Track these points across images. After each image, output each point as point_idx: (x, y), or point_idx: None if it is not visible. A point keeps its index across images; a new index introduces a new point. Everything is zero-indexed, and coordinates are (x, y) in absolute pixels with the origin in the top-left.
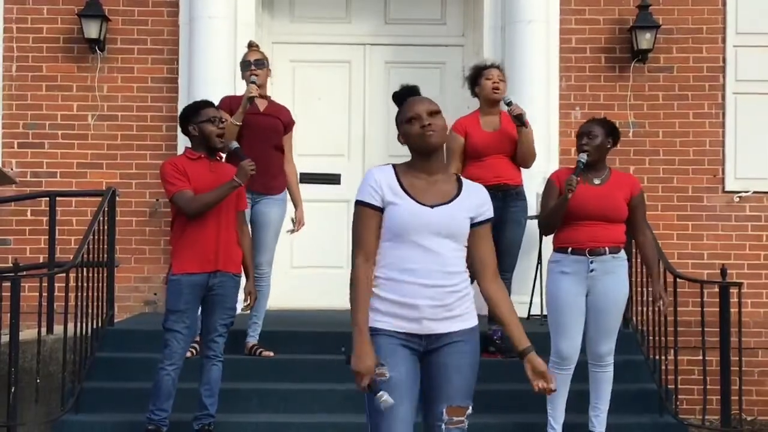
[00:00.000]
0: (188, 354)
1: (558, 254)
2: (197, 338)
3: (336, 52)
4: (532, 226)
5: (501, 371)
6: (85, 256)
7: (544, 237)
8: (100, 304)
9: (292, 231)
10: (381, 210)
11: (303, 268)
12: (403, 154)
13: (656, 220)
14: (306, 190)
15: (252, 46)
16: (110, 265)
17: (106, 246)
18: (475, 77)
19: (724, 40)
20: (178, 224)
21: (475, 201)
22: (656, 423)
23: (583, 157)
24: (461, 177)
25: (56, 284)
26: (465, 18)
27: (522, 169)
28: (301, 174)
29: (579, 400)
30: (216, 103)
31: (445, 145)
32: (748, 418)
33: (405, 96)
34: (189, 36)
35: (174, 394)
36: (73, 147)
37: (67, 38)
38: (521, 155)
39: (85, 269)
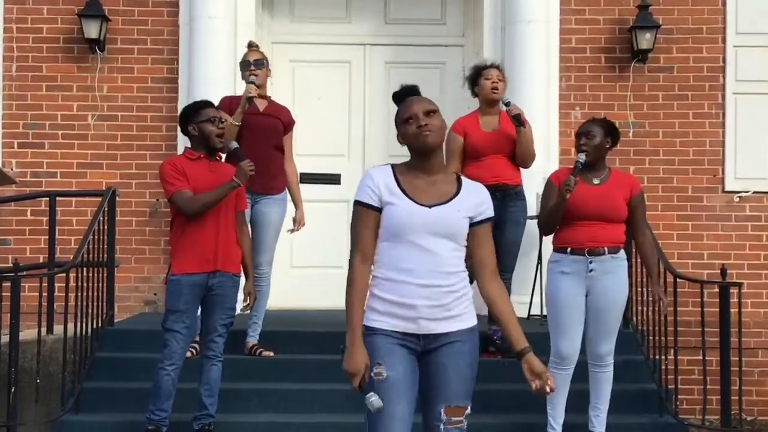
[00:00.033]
0: (188, 354)
1: (557, 254)
2: (197, 338)
3: (336, 52)
4: (532, 226)
5: (501, 371)
6: (85, 256)
7: (544, 237)
8: (100, 304)
9: (293, 230)
10: (379, 210)
11: (303, 268)
12: (403, 154)
13: (656, 220)
14: (306, 190)
15: (252, 46)
16: (110, 265)
17: (106, 246)
18: (475, 77)
19: (724, 40)
20: (178, 224)
21: (474, 200)
22: (656, 423)
23: (582, 157)
24: (461, 176)
25: (56, 284)
26: (465, 18)
27: (521, 169)
28: (301, 174)
29: (579, 400)
30: (216, 103)
31: (444, 145)
32: (748, 418)
33: (405, 96)
34: (189, 36)
35: (174, 394)
36: (73, 147)
37: (67, 38)
38: (520, 155)
39: (85, 269)
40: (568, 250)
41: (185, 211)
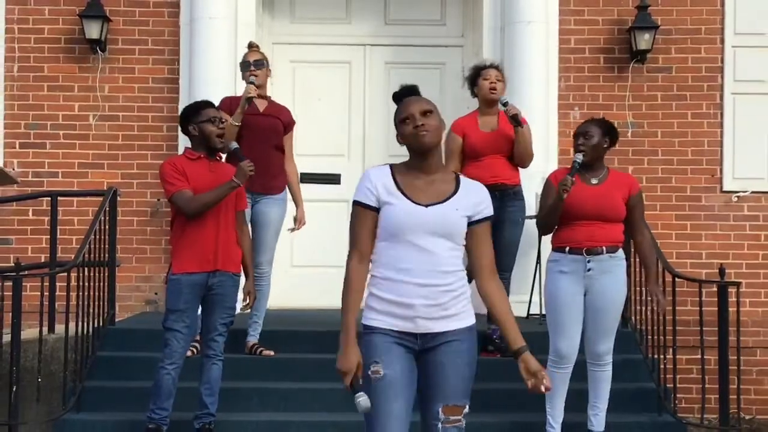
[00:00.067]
0: (189, 353)
1: (556, 254)
2: (197, 337)
3: (336, 53)
4: (532, 226)
5: (500, 370)
6: (87, 255)
7: (543, 237)
8: (101, 303)
9: (293, 229)
10: (376, 210)
11: (303, 268)
12: (403, 154)
13: (655, 220)
14: (306, 190)
15: (252, 46)
16: (111, 264)
17: (107, 246)
18: (474, 77)
19: (722, 41)
20: (178, 224)
21: (473, 199)
22: (655, 422)
23: (579, 157)
24: (460, 176)
25: (58, 284)
26: (464, 19)
27: (520, 169)
28: (301, 174)
29: (578, 399)
30: (216, 103)
31: (443, 145)
32: (747, 417)
33: (405, 96)
34: (190, 36)
35: (174, 393)
36: (75, 147)
37: (68, 39)
38: (518, 155)
39: (86, 269)
40: (567, 249)
41: (185, 211)
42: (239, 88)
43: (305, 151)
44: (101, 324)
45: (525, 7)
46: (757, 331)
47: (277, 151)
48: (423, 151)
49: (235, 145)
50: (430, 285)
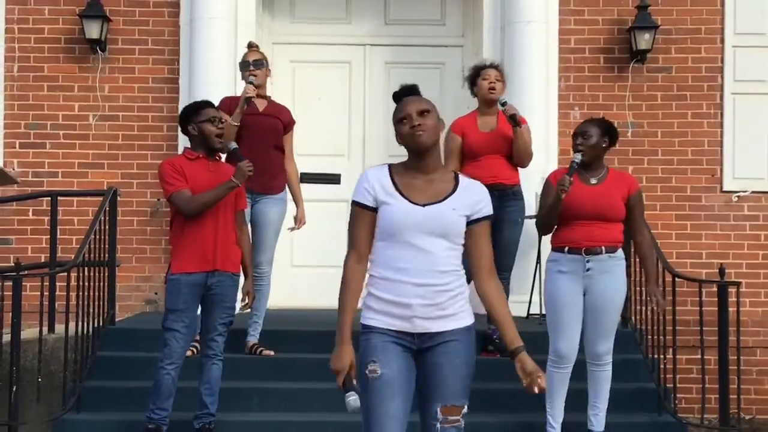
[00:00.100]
0: (188, 353)
1: (555, 253)
2: (197, 337)
3: (336, 53)
4: (532, 226)
5: (500, 370)
6: (87, 255)
7: (543, 236)
8: (101, 303)
9: (293, 229)
10: (374, 210)
11: (303, 267)
12: (403, 153)
13: (655, 220)
14: (306, 190)
15: (251, 46)
16: (111, 264)
17: (107, 245)
18: (474, 77)
19: (722, 41)
20: (177, 224)
21: (472, 198)
22: (655, 422)
23: (577, 157)
24: (460, 175)
25: (57, 283)
26: (464, 18)
27: (520, 169)
28: (301, 174)
29: (578, 399)
30: (216, 103)
31: (442, 144)
32: (747, 417)
33: (405, 95)
34: (190, 36)
35: (174, 393)
36: (75, 147)
37: (68, 39)
38: (517, 155)
39: (86, 269)
40: (566, 249)
41: (184, 211)
42: (239, 88)
43: (305, 151)
44: (101, 324)
45: (525, 7)
46: (757, 331)
47: (277, 150)
48: (420, 151)
49: (234, 145)
50: (427, 285)
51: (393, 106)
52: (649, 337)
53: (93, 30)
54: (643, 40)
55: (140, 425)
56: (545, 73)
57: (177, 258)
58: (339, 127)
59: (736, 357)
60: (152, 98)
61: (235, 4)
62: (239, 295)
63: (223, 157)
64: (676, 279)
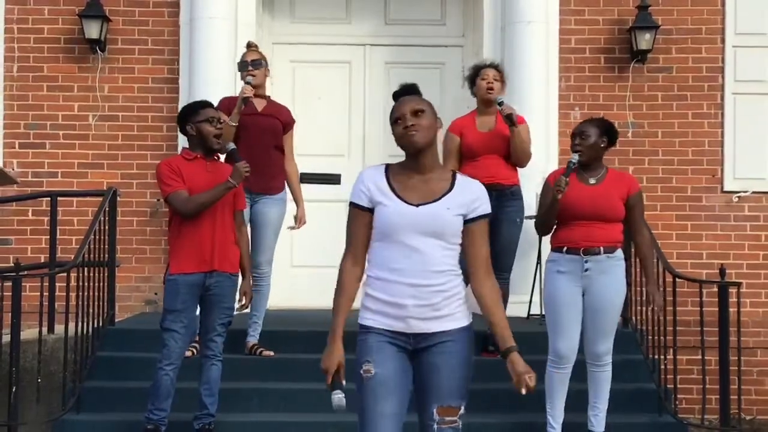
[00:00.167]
0: (188, 353)
1: (555, 254)
2: (197, 338)
3: (336, 53)
4: (532, 226)
5: (500, 370)
6: (86, 255)
7: (543, 237)
8: (100, 303)
9: (293, 228)
10: (370, 210)
11: (303, 268)
12: (403, 153)
13: (655, 220)
14: (306, 190)
15: (250, 46)
16: (111, 264)
17: (107, 246)
18: (473, 77)
19: (723, 41)
20: (175, 224)
21: (467, 197)
22: (655, 422)
23: (575, 157)
24: (458, 174)
25: (57, 284)
26: (465, 18)
27: (520, 169)
28: (301, 174)
29: (578, 400)
30: (216, 103)
31: (442, 144)
32: (747, 418)
33: (404, 95)
34: (189, 36)
35: (173, 393)
36: (74, 147)
37: (67, 39)
38: (514, 155)
39: (86, 269)
40: (564, 249)
41: (181, 212)
42: (239, 88)
43: (305, 151)
44: (101, 324)
45: (525, 7)
46: (758, 331)
47: (277, 150)
48: (414, 151)
49: (232, 145)
50: (421, 285)
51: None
52: (650, 337)
53: (93, 30)
54: (644, 40)
55: (140, 426)
56: (545, 73)
57: (175, 258)
58: (339, 127)
59: (736, 357)
60: (152, 98)
61: (235, 4)
62: (237, 296)
63: (222, 157)
64: (677, 279)
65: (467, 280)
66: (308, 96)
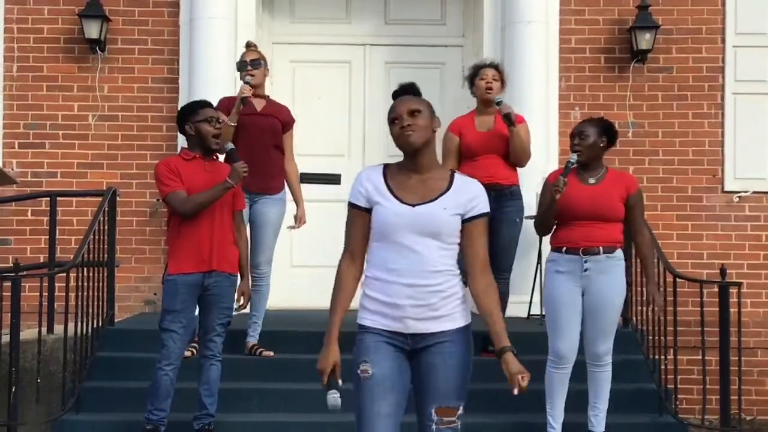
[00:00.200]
0: (188, 354)
1: (554, 254)
2: (196, 338)
3: (336, 53)
4: (532, 226)
5: (500, 370)
6: (86, 255)
7: (543, 237)
8: (100, 303)
9: (293, 227)
10: (368, 211)
11: (303, 268)
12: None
13: (656, 220)
14: (306, 190)
15: (249, 46)
16: (110, 264)
17: (106, 246)
18: (473, 77)
19: (723, 41)
20: (174, 224)
21: (465, 196)
22: (656, 423)
23: (573, 157)
24: (456, 173)
25: (57, 284)
26: (465, 18)
27: (520, 168)
28: (301, 174)
29: (578, 400)
30: (215, 103)
31: (443, 144)
32: (748, 418)
33: (403, 95)
34: (189, 36)
35: (172, 393)
36: (74, 147)
37: (67, 38)
38: (513, 154)
39: (85, 269)
40: (564, 249)
41: (179, 212)
42: (239, 89)
43: (305, 151)
44: (100, 324)
45: (525, 7)
46: (758, 331)
47: (276, 150)
48: (410, 151)
49: (230, 145)
50: (418, 285)
51: None
52: (650, 337)
53: (92, 30)
54: (644, 40)
55: (139, 426)
56: (545, 73)
57: (174, 258)
58: (339, 127)
59: (737, 358)
60: (152, 98)
61: (235, 4)
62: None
63: (221, 157)
64: (677, 279)
65: (467, 280)
66: (308, 96)
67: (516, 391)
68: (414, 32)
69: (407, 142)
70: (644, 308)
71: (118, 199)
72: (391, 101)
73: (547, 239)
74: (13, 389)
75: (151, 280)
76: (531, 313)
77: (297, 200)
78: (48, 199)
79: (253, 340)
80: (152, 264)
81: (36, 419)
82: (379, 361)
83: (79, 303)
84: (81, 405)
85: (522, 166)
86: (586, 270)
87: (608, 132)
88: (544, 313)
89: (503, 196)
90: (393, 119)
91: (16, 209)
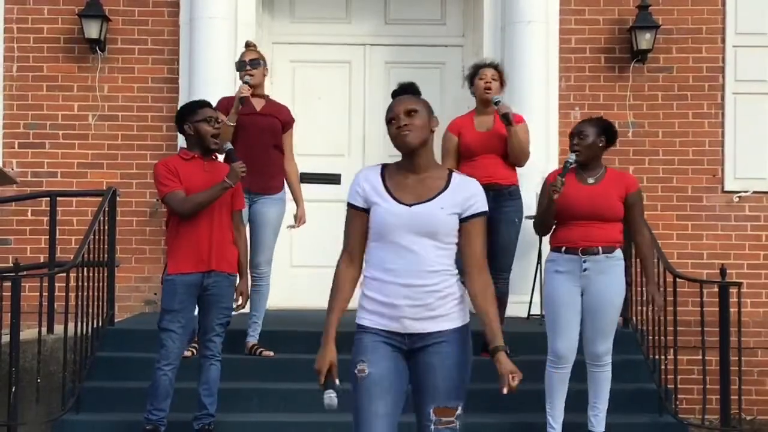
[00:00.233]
0: (188, 354)
1: (554, 253)
2: (196, 338)
3: (336, 53)
4: (531, 226)
5: None
6: (86, 255)
7: (543, 237)
8: (100, 303)
9: (293, 227)
10: (365, 211)
11: (303, 268)
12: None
13: (656, 220)
14: (306, 190)
15: (249, 45)
16: (110, 264)
17: (106, 246)
18: (472, 76)
19: (723, 41)
20: (173, 224)
21: (462, 195)
22: (656, 423)
23: (572, 157)
24: (454, 173)
25: (57, 284)
26: (465, 18)
27: (520, 168)
28: (301, 174)
29: (578, 400)
30: (215, 103)
31: (442, 144)
32: (748, 418)
33: (402, 94)
34: (189, 36)
35: (171, 393)
36: (74, 147)
37: (67, 38)
38: (512, 154)
39: (85, 269)
40: (563, 249)
41: (178, 212)
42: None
43: (305, 150)
44: (100, 324)
45: (525, 7)
46: (758, 331)
47: (276, 150)
48: (407, 151)
49: (229, 145)
50: (414, 285)
51: None
52: (650, 337)
53: (92, 30)
54: (644, 39)
55: (139, 426)
56: (545, 73)
57: (173, 258)
58: (339, 126)
59: (737, 358)
60: (152, 98)
61: (235, 4)
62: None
63: (221, 157)
64: (677, 279)
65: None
66: (308, 96)
67: (505, 391)
68: (414, 32)
69: (404, 142)
70: (644, 308)
71: (118, 199)
72: (391, 101)
73: (546, 239)
74: (13, 389)
75: (151, 280)
76: (531, 313)
77: (297, 200)
78: (48, 199)
79: (253, 340)
80: (152, 264)
81: (36, 419)
82: (377, 361)
83: (79, 303)
84: (81, 405)
85: (521, 166)
86: (585, 270)
87: (607, 132)
88: (543, 313)
89: (502, 196)
90: (390, 119)
91: (16, 209)
